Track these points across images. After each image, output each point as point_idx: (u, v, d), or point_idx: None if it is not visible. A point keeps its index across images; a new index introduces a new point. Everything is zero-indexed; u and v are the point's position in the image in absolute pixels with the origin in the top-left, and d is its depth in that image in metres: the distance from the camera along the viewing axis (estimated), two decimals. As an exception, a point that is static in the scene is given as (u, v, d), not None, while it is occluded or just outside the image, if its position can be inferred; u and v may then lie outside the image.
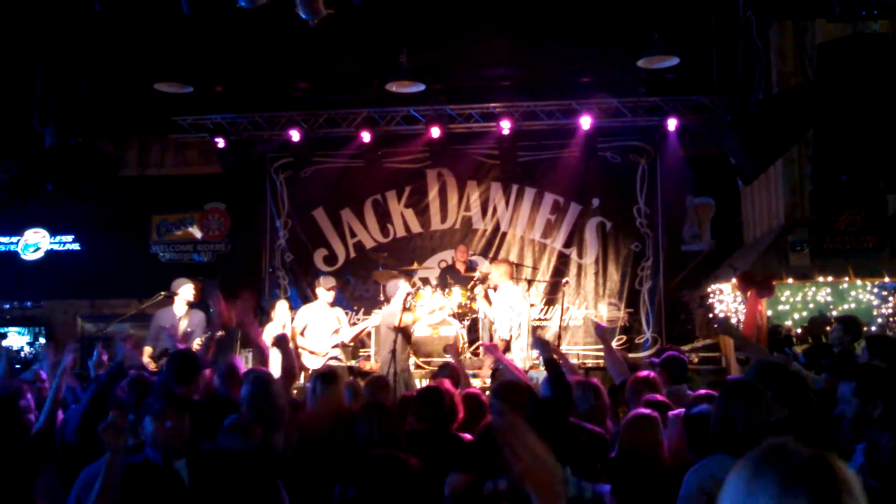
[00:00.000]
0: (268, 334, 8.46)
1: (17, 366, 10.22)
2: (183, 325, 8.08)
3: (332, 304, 8.79)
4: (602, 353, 7.89)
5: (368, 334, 9.75)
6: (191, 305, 8.29)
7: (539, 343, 4.92)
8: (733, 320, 8.96)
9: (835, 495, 1.26)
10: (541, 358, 4.61)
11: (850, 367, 4.15)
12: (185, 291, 8.25)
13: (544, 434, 3.03)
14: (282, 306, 8.92)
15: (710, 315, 7.31)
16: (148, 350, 7.91)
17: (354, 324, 10.33)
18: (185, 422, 3.48)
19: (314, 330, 8.56)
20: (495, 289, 8.83)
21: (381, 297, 10.02)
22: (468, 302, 9.83)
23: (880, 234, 8.08)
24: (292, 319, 8.72)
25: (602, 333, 5.96)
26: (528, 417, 3.14)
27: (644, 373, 4.79)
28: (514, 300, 8.37)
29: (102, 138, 10.46)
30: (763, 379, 3.64)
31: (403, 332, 7.89)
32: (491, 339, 8.95)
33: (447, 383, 4.64)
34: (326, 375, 4.71)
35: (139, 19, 7.67)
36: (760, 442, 2.75)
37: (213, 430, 3.87)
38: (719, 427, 3.09)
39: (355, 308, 11.62)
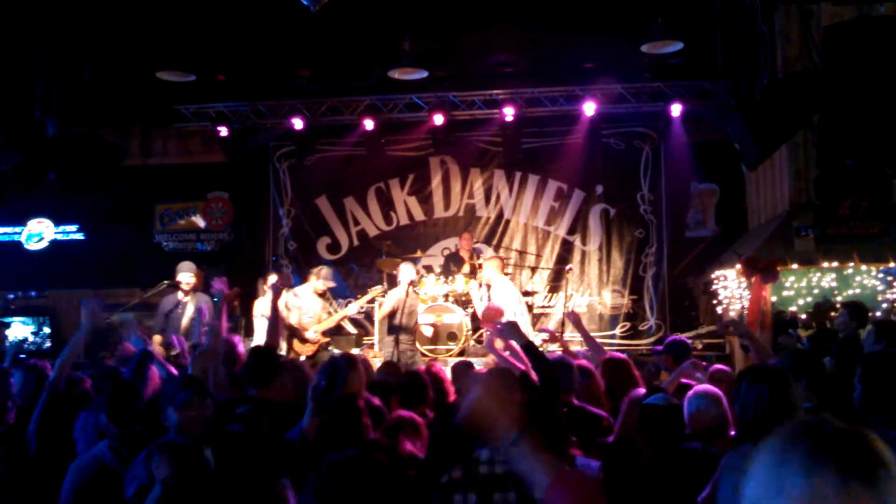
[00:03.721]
0: (259, 308, 8.58)
1: (22, 356, 10.25)
2: (190, 310, 8.04)
3: (322, 294, 8.80)
4: (605, 340, 7.95)
5: (372, 322, 9.76)
6: (193, 290, 8.18)
7: (507, 329, 4.66)
8: (738, 306, 8.96)
9: (868, 468, 1.18)
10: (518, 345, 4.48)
11: (858, 353, 4.14)
12: (186, 276, 8.17)
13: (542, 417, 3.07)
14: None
15: (720, 322, 7.58)
16: (157, 339, 7.89)
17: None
18: (208, 409, 3.56)
19: (303, 315, 8.55)
20: (488, 286, 8.96)
21: (386, 285, 10.00)
22: (468, 290, 9.84)
23: (886, 220, 8.05)
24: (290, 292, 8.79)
25: (575, 320, 5.95)
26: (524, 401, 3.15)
27: (615, 355, 4.88)
28: (506, 297, 8.67)
29: (105, 127, 10.43)
30: (796, 366, 3.57)
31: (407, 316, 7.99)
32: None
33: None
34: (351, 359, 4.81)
35: (141, 7, 7.65)
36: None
37: None
38: (750, 414, 2.91)
39: (358, 296, 11.61)
